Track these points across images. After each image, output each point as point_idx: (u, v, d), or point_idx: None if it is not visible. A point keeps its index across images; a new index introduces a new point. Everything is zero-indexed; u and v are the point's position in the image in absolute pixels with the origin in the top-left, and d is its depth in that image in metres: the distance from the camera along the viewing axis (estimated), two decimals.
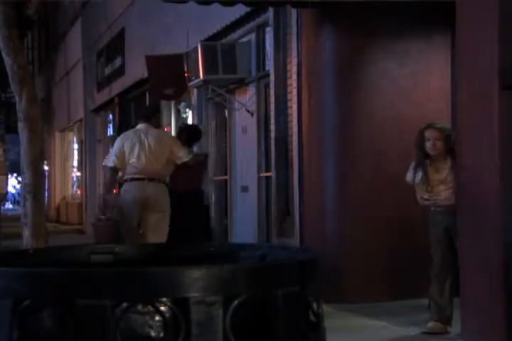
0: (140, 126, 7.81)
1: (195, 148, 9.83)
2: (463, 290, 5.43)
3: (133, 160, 7.55)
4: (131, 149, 7.57)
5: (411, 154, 7.58)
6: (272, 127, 9.04)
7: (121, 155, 7.62)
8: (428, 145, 6.00)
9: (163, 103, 13.79)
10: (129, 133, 7.89)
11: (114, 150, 7.84)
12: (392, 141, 7.55)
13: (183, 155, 7.66)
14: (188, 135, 8.80)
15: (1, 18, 6.79)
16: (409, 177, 6.20)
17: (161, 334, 1.75)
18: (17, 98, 6.87)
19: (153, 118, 8.03)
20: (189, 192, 8.36)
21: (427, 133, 6.01)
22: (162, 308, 1.75)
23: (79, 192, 21.43)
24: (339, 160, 7.65)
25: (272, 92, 9.06)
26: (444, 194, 5.94)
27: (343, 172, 7.62)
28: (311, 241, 7.73)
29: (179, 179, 8.08)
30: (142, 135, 7.63)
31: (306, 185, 7.97)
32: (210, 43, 10.10)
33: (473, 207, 5.24)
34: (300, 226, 8.17)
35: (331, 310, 6.88)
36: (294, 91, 8.28)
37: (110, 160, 7.74)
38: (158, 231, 7.47)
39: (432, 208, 6.05)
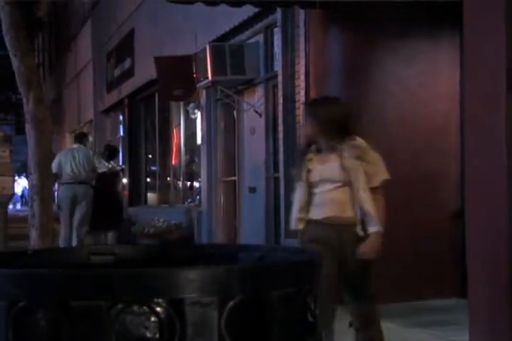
0: (75, 145, 11.65)
1: None
2: (470, 290, 5.41)
3: (68, 169, 11.00)
4: (65, 162, 11.03)
5: (419, 155, 7.57)
6: (280, 128, 9.02)
7: (59, 166, 11.05)
8: None
9: (173, 104, 13.80)
10: (66, 150, 11.90)
11: (55, 161, 11.06)
12: (400, 141, 7.52)
13: (101, 167, 11.44)
14: (109, 152, 12.14)
15: (8, 20, 6.80)
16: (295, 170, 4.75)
17: (157, 335, 1.74)
18: (24, 99, 6.88)
19: (84, 140, 11.77)
20: (109, 192, 11.64)
21: None
22: (157, 309, 1.74)
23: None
24: None
25: (280, 93, 9.05)
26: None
27: None
28: None
29: (102, 183, 11.49)
30: (75, 152, 11.26)
31: None
32: (219, 44, 10.10)
33: (479, 208, 5.21)
34: None
35: (338, 311, 6.86)
36: (302, 92, 8.27)
37: (53, 168, 10.57)
38: (83, 218, 11.05)
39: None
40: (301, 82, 8.33)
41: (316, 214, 4.51)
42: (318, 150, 4.58)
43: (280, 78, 8.99)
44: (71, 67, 23.32)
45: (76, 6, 21.69)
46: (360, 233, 4.47)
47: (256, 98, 10.25)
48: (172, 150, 14.17)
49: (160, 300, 1.73)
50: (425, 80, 7.59)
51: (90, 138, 13.34)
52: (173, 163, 14.24)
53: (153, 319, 1.74)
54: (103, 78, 18.22)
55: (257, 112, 10.08)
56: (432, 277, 7.42)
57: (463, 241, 5.74)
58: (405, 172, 7.47)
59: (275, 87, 9.49)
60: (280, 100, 9.06)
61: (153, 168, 15.93)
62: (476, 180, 5.28)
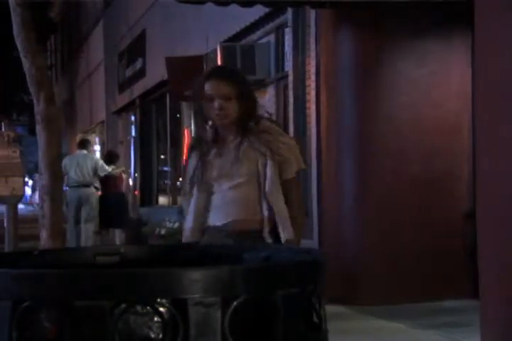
0: (78, 151, 12.90)
1: None
2: (482, 291, 5.38)
3: (72, 174, 12.25)
4: (70, 167, 12.23)
5: (430, 154, 7.55)
6: (291, 128, 9.01)
7: (65, 170, 11.57)
8: (212, 108, 3.49)
9: (184, 104, 13.81)
10: (71, 156, 13.12)
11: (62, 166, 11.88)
12: (411, 141, 7.50)
13: (103, 171, 12.49)
14: (109, 157, 13.23)
15: (20, 21, 6.81)
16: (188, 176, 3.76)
17: (160, 336, 1.74)
18: (35, 100, 6.88)
19: (87, 146, 13.12)
20: (113, 193, 12.83)
21: (209, 87, 3.49)
22: (161, 309, 1.73)
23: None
24: (358, 161, 7.61)
25: (290, 93, 9.04)
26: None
27: (362, 173, 7.58)
28: (329, 242, 7.70)
29: (106, 185, 12.71)
30: (78, 157, 12.55)
31: (324, 186, 7.94)
32: (230, 44, 10.09)
33: (490, 210, 5.19)
34: (318, 227, 8.15)
35: (348, 311, 6.86)
36: (313, 92, 8.26)
37: None
38: (89, 218, 12.31)
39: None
40: (311, 82, 8.31)
41: (215, 219, 3.56)
42: (214, 139, 3.58)
43: (291, 78, 8.98)
44: (83, 68, 23.38)
45: (88, 7, 21.74)
46: (268, 239, 3.48)
47: (267, 98, 10.24)
48: (183, 150, 14.18)
49: (163, 301, 1.73)
50: (437, 80, 7.56)
51: (96, 143, 14.19)
52: (185, 163, 14.24)
53: (156, 319, 1.73)
54: (115, 79, 18.25)
55: (267, 112, 10.07)
56: (443, 278, 7.40)
57: (475, 242, 5.72)
58: (417, 172, 7.46)
59: (286, 87, 9.48)
60: (291, 100, 9.05)
61: (164, 169, 15.95)
62: (487, 179, 5.26)
